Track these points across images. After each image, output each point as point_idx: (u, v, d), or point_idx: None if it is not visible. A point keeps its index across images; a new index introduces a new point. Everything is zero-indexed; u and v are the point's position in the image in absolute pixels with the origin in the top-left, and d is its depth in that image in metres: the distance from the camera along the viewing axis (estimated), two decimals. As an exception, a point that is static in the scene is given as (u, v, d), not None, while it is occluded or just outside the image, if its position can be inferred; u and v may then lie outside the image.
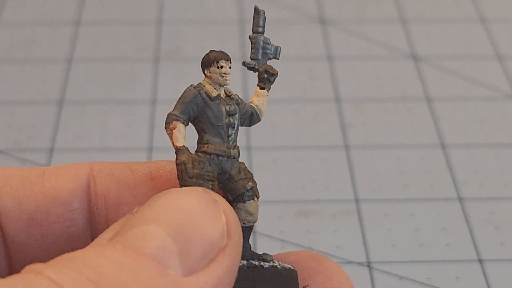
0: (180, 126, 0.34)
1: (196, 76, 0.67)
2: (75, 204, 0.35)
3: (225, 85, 0.34)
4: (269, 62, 0.36)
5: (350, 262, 0.49)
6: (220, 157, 0.34)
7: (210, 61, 0.34)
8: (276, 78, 0.35)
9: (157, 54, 0.65)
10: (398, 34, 0.67)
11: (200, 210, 0.30)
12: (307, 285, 0.35)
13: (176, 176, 0.34)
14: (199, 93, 0.34)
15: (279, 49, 0.36)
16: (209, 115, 0.34)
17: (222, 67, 0.34)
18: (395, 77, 0.63)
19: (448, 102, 0.61)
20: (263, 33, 0.36)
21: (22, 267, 0.35)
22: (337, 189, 0.54)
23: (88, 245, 0.30)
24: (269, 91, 0.35)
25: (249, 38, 0.36)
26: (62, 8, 0.69)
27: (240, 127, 0.35)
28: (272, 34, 0.70)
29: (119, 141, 0.57)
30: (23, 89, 0.61)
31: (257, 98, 0.35)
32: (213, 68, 0.34)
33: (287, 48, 0.66)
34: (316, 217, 0.52)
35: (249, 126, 0.36)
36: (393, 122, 0.59)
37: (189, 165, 0.33)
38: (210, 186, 0.34)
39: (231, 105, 0.34)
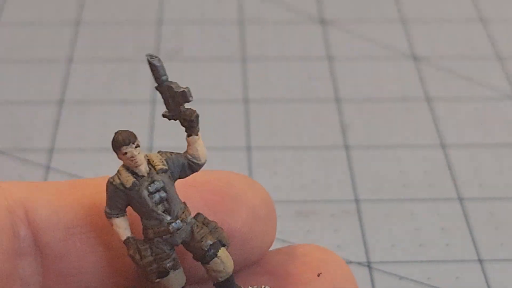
0: (115, 221, 0.33)
1: (196, 76, 0.67)
2: None
3: (137, 166, 0.32)
4: (187, 105, 0.34)
5: (350, 262, 0.49)
6: (164, 237, 0.33)
7: (114, 148, 0.32)
8: (197, 119, 0.33)
9: (157, 54, 0.65)
10: (398, 34, 0.67)
11: None
12: (320, 273, 0.35)
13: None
14: (117, 188, 0.33)
15: (187, 92, 0.33)
16: (133, 203, 0.33)
17: (126, 153, 0.32)
18: (395, 77, 0.63)
19: (448, 102, 0.61)
20: (167, 80, 0.33)
21: (59, 278, 0.34)
22: (337, 189, 0.54)
23: None
24: (199, 132, 0.34)
25: (156, 89, 0.34)
26: (62, 8, 0.69)
27: (188, 176, 0.34)
28: (273, 34, 0.71)
29: (119, 141, 0.57)
30: (23, 89, 0.61)
31: (188, 147, 0.34)
32: (120, 155, 0.32)
33: (287, 48, 0.66)
34: (316, 217, 0.52)
35: (194, 172, 0.34)
36: (393, 122, 0.59)
37: (137, 257, 0.33)
38: (168, 264, 0.33)
39: (154, 181, 0.33)
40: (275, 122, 0.58)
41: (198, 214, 0.34)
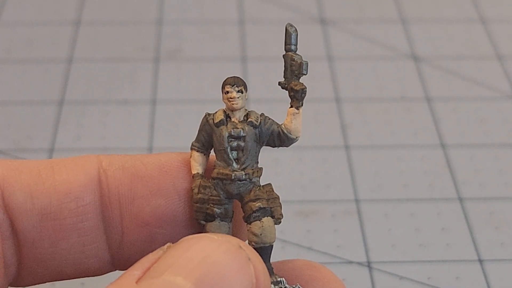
0: (194, 154, 0.35)
1: (196, 76, 0.67)
2: (87, 198, 0.35)
3: (234, 109, 0.35)
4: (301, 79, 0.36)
5: (350, 262, 0.49)
6: (224, 181, 0.35)
7: (222, 88, 0.35)
8: (304, 93, 0.35)
9: (157, 54, 0.65)
10: (398, 34, 0.67)
11: (232, 268, 0.30)
12: (298, 284, 0.35)
13: (188, 167, 0.35)
14: (207, 121, 0.35)
15: (304, 65, 0.35)
16: (214, 140, 0.35)
17: (227, 92, 0.35)
18: (395, 77, 0.63)
19: (448, 102, 0.61)
20: (296, 51, 0.36)
21: (33, 263, 0.35)
22: (337, 189, 0.54)
23: (114, 283, 0.30)
24: (300, 108, 0.35)
25: (282, 57, 0.36)
26: (62, 8, 0.69)
27: (275, 147, 0.36)
28: (273, 34, 0.71)
29: (119, 141, 0.57)
30: (23, 89, 0.61)
31: (286, 118, 0.36)
32: (223, 94, 0.35)
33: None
34: (316, 217, 0.52)
35: (284, 146, 0.36)
36: (393, 122, 0.59)
37: (195, 191, 0.35)
38: (217, 209, 0.34)
39: (237, 128, 0.35)
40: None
41: (268, 183, 0.36)
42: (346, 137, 0.58)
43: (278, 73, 0.64)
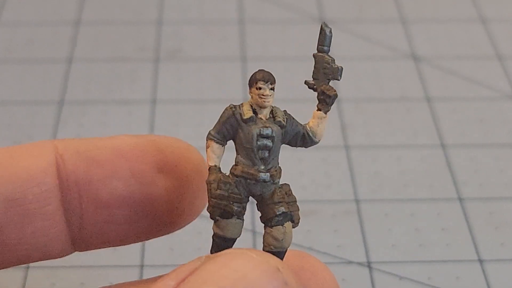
0: (213, 145, 0.34)
1: (196, 76, 0.67)
2: (49, 183, 0.35)
3: (264, 107, 0.34)
4: (331, 83, 0.35)
5: (350, 262, 0.49)
6: (248, 180, 0.34)
7: (251, 81, 0.34)
8: (335, 99, 0.35)
9: (157, 54, 0.65)
10: (398, 34, 0.67)
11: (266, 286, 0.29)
12: None
13: (141, 150, 0.35)
14: (233, 114, 0.34)
15: (339, 70, 0.35)
16: (241, 136, 0.34)
17: (260, 88, 0.34)
18: (395, 77, 0.63)
19: (448, 102, 0.61)
20: (328, 52, 0.35)
21: (1, 247, 0.35)
22: (337, 189, 0.54)
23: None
24: (328, 112, 0.35)
25: (313, 56, 0.35)
26: (62, 8, 0.69)
27: (294, 147, 0.35)
28: (273, 34, 0.71)
29: (119, 141, 0.57)
30: (23, 89, 0.61)
31: (312, 120, 0.35)
32: (253, 89, 0.34)
33: (287, 48, 0.66)
34: (316, 217, 0.52)
35: (303, 147, 0.35)
36: (393, 122, 0.59)
37: (214, 185, 0.33)
38: (236, 208, 0.34)
39: (267, 127, 0.34)
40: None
41: (286, 184, 0.35)
42: (346, 137, 0.58)
43: (278, 72, 0.64)
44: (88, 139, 0.36)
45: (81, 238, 0.37)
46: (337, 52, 0.65)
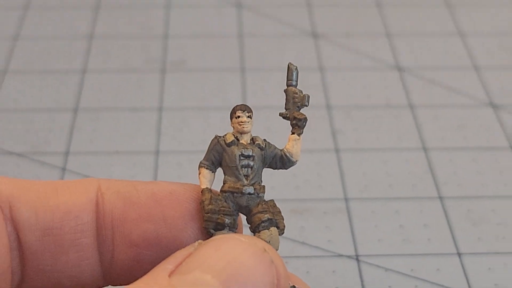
0: (204, 171, 0.36)
1: (198, 85, 0.67)
2: (86, 218, 0.35)
3: (244, 132, 0.36)
4: (302, 110, 0.37)
5: (340, 256, 0.49)
6: (235, 194, 0.35)
7: (231, 114, 0.36)
8: (306, 122, 0.36)
9: (163, 66, 0.65)
10: (384, 47, 0.67)
11: (257, 270, 0.30)
12: (294, 286, 0.35)
13: (176, 197, 0.36)
14: (218, 141, 0.36)
15: (306, 97, 0.36)
16: (225, 158, 0.35)
17: (238, 116, 0.35)
18: (381, 87, 0.63)
19: (429, 109, 0.61)
20: (296, 86, 0.37)
21: (34, 273, 0.35)
22: (328, 189, 0.54)
23: (149, 274, 0.30)
24: (301, 135, 0.36)
25: (284, 91, 0.37)
26: (77, 23, 0.69)
27: (275, 169, 0.37)
28: (269, 47, 0.71)
29: (128, 145, 0.57)
30: (41, 97, 0.61)
31: (288, 143, 0.37)
32: (233, 119, 0.36)
33: (282, 59, 0.66)
34: (309, 215, 0.52)
35: (283, 168, 0.37)
36: (379, 127, 0.59)
37: (206, 202, 0.35)
38: (227, 220, 0.35)
39: (248, 148, 0.35)
40: (271, 128, 0.59)
41: (271, 199, 0.36)
42: (336, 141, 0.58)
43: (274, 82, 0.65)
44: (131, 182, 0.37)
45: (111, 273, 0.37)
46: (328, 63, 0.65)
